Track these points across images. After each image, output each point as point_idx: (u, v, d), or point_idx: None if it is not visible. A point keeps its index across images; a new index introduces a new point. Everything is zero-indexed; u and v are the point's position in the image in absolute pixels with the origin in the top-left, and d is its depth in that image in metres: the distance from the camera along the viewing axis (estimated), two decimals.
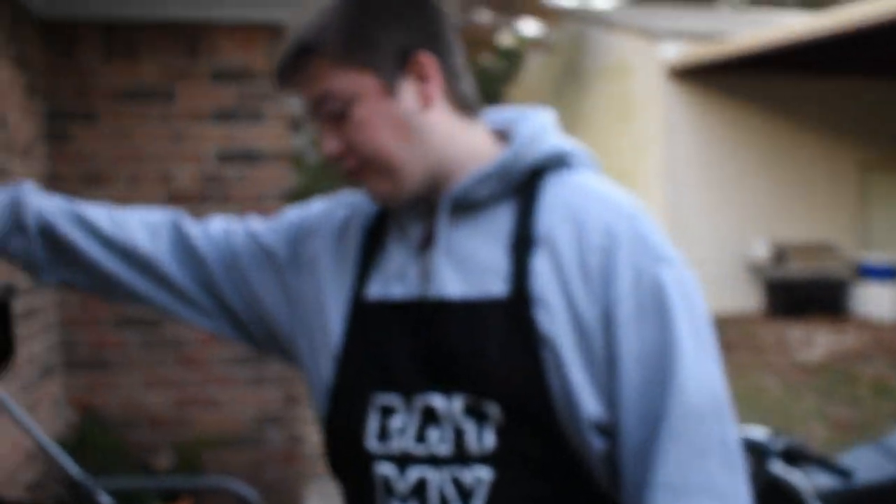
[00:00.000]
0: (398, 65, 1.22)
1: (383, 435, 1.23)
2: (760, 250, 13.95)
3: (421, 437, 1.21)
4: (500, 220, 1.25)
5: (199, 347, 4.49)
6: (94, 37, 4.45)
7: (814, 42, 11.61)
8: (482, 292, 1.22)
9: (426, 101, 1.24)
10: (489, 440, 1.18)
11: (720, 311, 13.04)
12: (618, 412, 1.19)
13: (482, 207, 1.27)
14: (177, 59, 4.49)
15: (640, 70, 14.79)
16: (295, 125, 9.47)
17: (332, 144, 1.24)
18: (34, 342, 3.98)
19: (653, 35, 14.42)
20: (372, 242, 1.34)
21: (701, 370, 1.18)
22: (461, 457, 1.18)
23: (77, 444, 4.20)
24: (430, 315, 1.23)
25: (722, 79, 14.21)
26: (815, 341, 11.10)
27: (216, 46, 4.52)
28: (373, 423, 1.24)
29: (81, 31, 4.43)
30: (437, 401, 1.20)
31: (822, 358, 10.08)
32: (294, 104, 5.07)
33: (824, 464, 2.89)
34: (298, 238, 1.42)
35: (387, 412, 1.24)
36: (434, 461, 1.20)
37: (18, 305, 3.77)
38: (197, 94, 4.51)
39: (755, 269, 14.11)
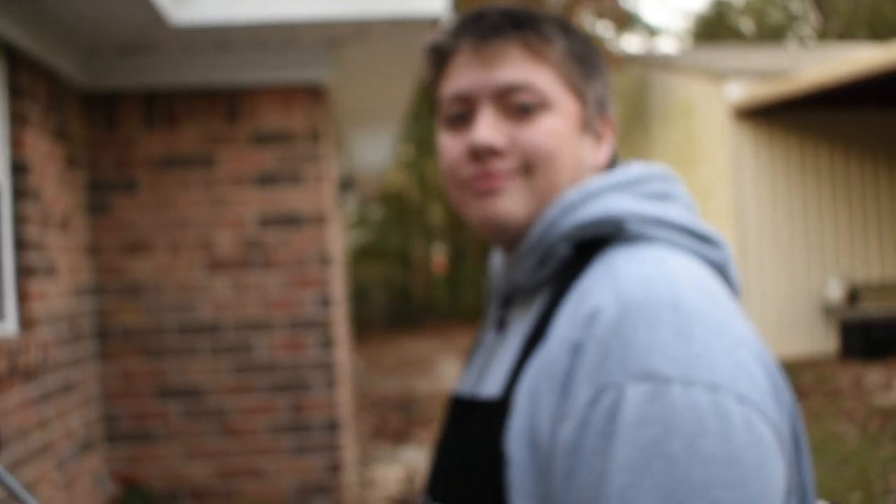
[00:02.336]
0: (596, 112, 1.15)
1: None
2: (834, 291, 13.53)
3: None
4: (535, 310, 1.09)
5: (241, 417, 4.42)
6: (135, 106, 4.45)
7: (882, 75, 11.29)
8: (489, 394, 1.08)
9: (598, 158, 1.15)
10: None
11: (794, 354, 12.68)
12: None
13: (531, 293, 1.12)
14: (216, 125, 4.47)
15: (705, 111, 14.60)
16: (346, 184, 9.47)
17: (496, 135, 1.08)
18: (72, 417, 3.93)
19: (717, 75, 14.22)
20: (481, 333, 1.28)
21: None
22: None
23: None
24: (460, 415, 1.12)
25: (789, 117, 13.94)
26: (894, 384, 10.66)
27: (255, 110, 4.49)
28: None
29: (122, 102, 4.44)
30: None
31: None
32: (334, 167, 5.02)
33: None
34: None
35: None
36: None
37: (54, 381, 3.73)
38: (237, 159, 4.47)
39: (829, 311, 13.69)
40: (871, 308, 13.21)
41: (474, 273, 21.80)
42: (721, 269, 1.09)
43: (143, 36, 4.15)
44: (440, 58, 1.15)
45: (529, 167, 1.09)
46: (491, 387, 1.08)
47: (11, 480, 2.47)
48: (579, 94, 1.12)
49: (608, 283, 0.98)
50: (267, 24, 4.13)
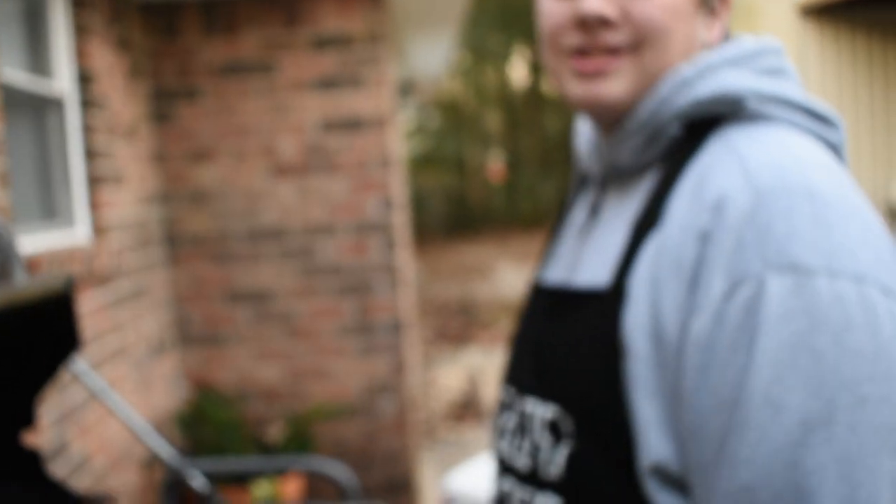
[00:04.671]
0: None
1: (499, 432, 1.13)
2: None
3: (517, 445, 1.08)
4: (642, 192, 1.03)
5: (308, 320, 4.51)
6: (194, 15, 4.46)
7: None
8: (591, 282, 1.02)
9: (711, 36, 1.06)
10: (558, 464, 1.00)
11: None
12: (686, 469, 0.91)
13: (635, 174, 1.06)
14: (276, 31, 4.47)
15: (770, 11, 14.15)
16: (404, 90, 9.41)
17: (609, 6, 0.99)
18: (144, 321, 4.05)
19: None
20: (564, 218, 1.22)
21: (776, 446, 0.83)
22: (535, 478, 1.04)
23: (194, 419, 4.29)
24: (558, 305, 1.07)
25: (857, 13, 13.44)
26: None
27: (314, 15, 4.47)
28: (497, 417, 1.15)
29: (182, 10, 4.45)
30: (531, 406, 1.06)
31: None
32: (393, 71, 4.99)
33: None
34: None
35: (503, 407, 1.14)
36: (518, 476, 1.07)
37: (126, 286, 3.84)
38: (297, 65, 4.48)
39: (894, 213, 13.41)
40: None
41: (532, 180, 21.70)
42: (837, 151, 1.03)
43: None
44: None
45: (640, 43, 1.00)
46: (593, 275, 1.03)
47: (95, 379, 2.58)
48: None
49: (735, 167, 0.92)
50: None
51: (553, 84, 1.10)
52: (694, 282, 0.89)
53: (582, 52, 1.02)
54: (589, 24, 1.01)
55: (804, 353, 0.83)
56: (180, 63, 4.46)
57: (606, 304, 0.97)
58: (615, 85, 1.01)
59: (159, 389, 4.17)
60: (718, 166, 0.93)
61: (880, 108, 13.52)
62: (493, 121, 23.33)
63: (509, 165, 22.80)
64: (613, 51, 1.01)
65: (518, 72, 23.43)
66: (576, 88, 1.04)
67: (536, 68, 22.51)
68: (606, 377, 0.95)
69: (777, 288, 0.84)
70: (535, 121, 22.49)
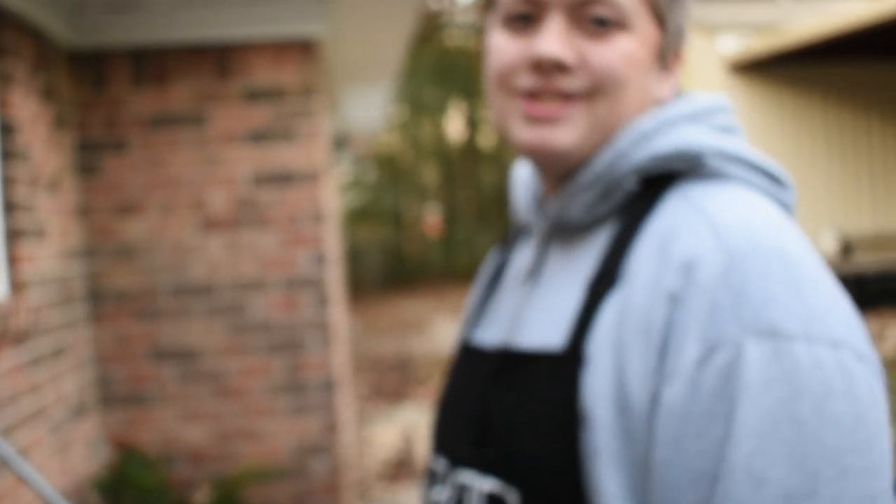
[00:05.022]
0: (673, 43, 1.03)
1: None
2: (828, 243, 13.52)
3: None
4: (595, 248, 0.98)
5: (237, 378, 4.37)
6: (123, 65, 4.36)
7: (876, 27, 11.22)
8: (541, 344, 0.96)
9: (663, 91, 1.02)
10: None
11: None
12: None
13: (585, 230, 1.01)
14: (207, 82, 4.38)
15: (699, 65, 14.47)
16: (339, 143, 9.37)
17: (567, 51, 0.95)
18: (64, 381, 3.88)
19: (710, 28, 14.10)
20: (499, 275, 1.15)
21: None
22: None
23: (117, 483, 4.11)
24: (502, 368, 0.99)
25: (783, 70, 13.86)
26: (887, 335, 10.68)
27: (246, 67, 4.40)
28: (426, 489, 1.07)
29: (110, 60, 4.35)
30: (468, 478, 0.97)
31: (893, 353, 9.66)
32: (327, 124, 4.94)
33: None
34: None
35: (434, 480, 1.05)
36: None
37: (45, 345, 3.68)
38: (228, 117, 4.39)
39: (848, 249, 13.65)
40: (865, 260, 13.21)
41: (469, 234, 21.75)
42: (788, 211, 1.00)
43: None
44: None
45: (596, 91, 0.96)
46: (542, 336, 0.96)
47: (4, 446, 2.43)
48: (661, 18, 0.99)
49: (704, 227, 0.88)
50: None
51: (497, 126, 1.04)
52: (664, 346, 0.84)
53: (533, 96, 0.97)
54: (544, 68, 0.96)
55: (786, 423, 0.79)
56: (108, 114, 4.35)
57: (562, 367, 0.90)
58: (566, 133, 0.97)
59: (78, 453, 3.99)
60: (685, 225, 0.89)
61: (806, 160, 13.84)
62: (430, 174, 23.42)
63: (446, 219, 22.86)
64: (567, 97, 0.97)
65: (454, 126, 23.59)
66: (524, 133, 0.99)
67: (473, 123, 22.69)
68: (561, 446, 0.88)
69: (756, 353, 0.80)
70: (472, 175, 22.62)
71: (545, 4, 0.97)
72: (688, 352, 0.82)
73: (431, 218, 23.28)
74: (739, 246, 0.84)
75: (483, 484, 0.95)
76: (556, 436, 0.89)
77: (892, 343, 10.16)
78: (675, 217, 0.91)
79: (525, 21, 0.99)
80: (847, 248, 13.32)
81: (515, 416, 0.93)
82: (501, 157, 21.87)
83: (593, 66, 0.96)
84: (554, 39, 0.96)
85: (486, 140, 22.80)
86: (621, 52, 0.96)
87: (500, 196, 20.88)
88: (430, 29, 19.35)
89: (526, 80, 0.98)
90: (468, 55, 20.41)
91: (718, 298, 0.82)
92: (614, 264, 0.92)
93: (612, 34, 0.96)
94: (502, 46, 1.00)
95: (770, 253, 0.84)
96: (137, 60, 4.37)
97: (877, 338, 10.68)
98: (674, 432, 0.82)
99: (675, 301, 0.85)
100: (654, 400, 0.84)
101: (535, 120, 0.98)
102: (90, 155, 4.33)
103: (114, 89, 4.35)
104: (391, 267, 21.74)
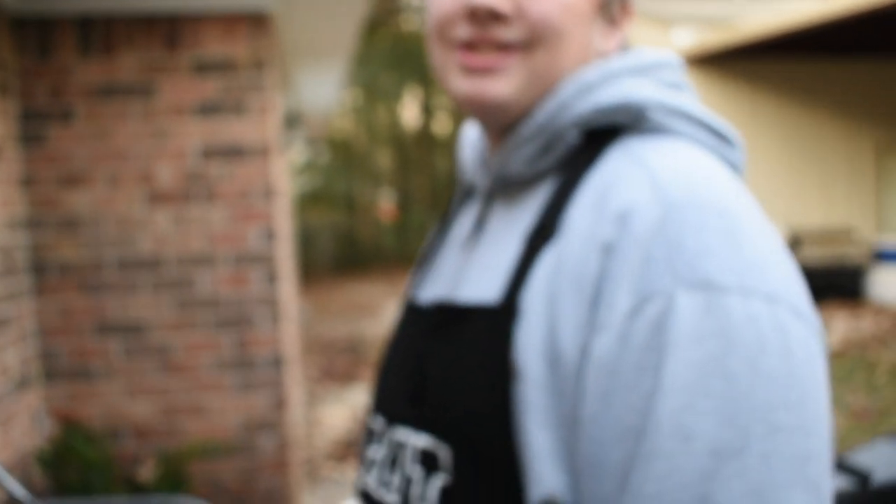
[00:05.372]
0: None
1: (367, 465, 1.03)
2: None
3: (386, 479, 0.98)
4: (536, 202, 0.96)
5: (184, 354, 4.32)
6: (69, 33, 4.27)
7: (828, 24, 11.37)
8: (478, 298, 0.94)
9: (608, 45, 1.01)
10: (431, 500, 0.90)
11: None
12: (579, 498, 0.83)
13: (527, 185, 1.00)
14: (156, 53, 4.31)
15: None
16: (291, 122, 9.29)
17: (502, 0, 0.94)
18: (7, 353, 3.81)
19: (664, 21, 14.20)
20: (442, 233, 1.14)
21: (685, 480, 0.75)
22: None
23: (59, 457, 4.04)
24: (439, 323, 0.98)
25: (736, 64, 14.01)
26: (832, 328, 10.86)
27: (196, 38, 4.33)
28: (365, 449, 1.05)
29: (56, 28, 4.26)
30: (404, 435, 0.96)
31: (838, 345, 9.83)
32: (279, 99, 4.88)
33: (838, 465, 2.67)
34: None
35: (371, 438, 1.04)
36: None
37: None
38: (178, 89, 4.32)
39: (797, 241, 13.85)
40: (812, 253, 13.41)
41: (422, 219, 21.73)
42: (736, 170, 0.99)
43: None
44: None
45: (533, 42, 0.94)
46: (481, 290, 0.94)
47: None
48: None
49: (643, 179, 0.86)
50: None
51: (439, 80, 1.02)
52: (596, 298, 0.82)
53: (470, 46, 0.96)
54: (479, 17, 0.94)
55: (717, 377, 0.76)
56: (53, 83, 4.26)
57: (496, 320, 0.88)
58: (503, 83, 0.95)
59: (21, 426, 3.92)
60: (624, 177, 0.88)
61: (757, 153, 14.01)
62: (384, 160, 23.34)
63: (400, 205, 22.81)
64: (504, 47, 0.95)
65: (409, 112, 23.53)
66: (461, 84, 0.97)
67: (428, 109, 22.65)
68: (493, 401, 0.86)
69: (688, 305, 0.78)
70: (426, 161, 22.61)
71: None
72: (619, 303, 0.80)
73: (385, 203, 23.23)
74: (677, 198, 0.83)
75: (417, 440, 0.94)
76: (487, 390, 0.87)
77: (837, 336, 10.34)
78: (614, 170, 0.90)
79: None
80: (796, 242, 13.52)
81: (450, 371, 0.92)
82: (456, 145, 21.90)
83: (531, 15, 0.94)
84: None
85: (441, 127, 22.79)
86: (559, 3, 0.94)
87: (454, 183, 20.89)
88: (385, 12, 19.26)
89: (462, 31, 0.96)
90: (424, 40, 20.36)
91: (653, 249, 0.80)
92: (553, 217, 0.90)
93: None
94: None
95: (708, 206, 0.82)
96: (84, 28, 4.28)
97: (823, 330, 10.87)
98: (602, 386, 0.80)
99: (608, 251, 0.83)
100: (583, 352, 0.82)
101: (471, 71, 0.96)
102: (34, 124, 4.24)
103: (59, 58, 4.26)
104: (344, 251, 21.66)
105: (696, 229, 0.80)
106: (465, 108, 1.00)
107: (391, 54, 20.39)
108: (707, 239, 0.80)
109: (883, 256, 13.27)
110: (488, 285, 0.94)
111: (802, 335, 0.81)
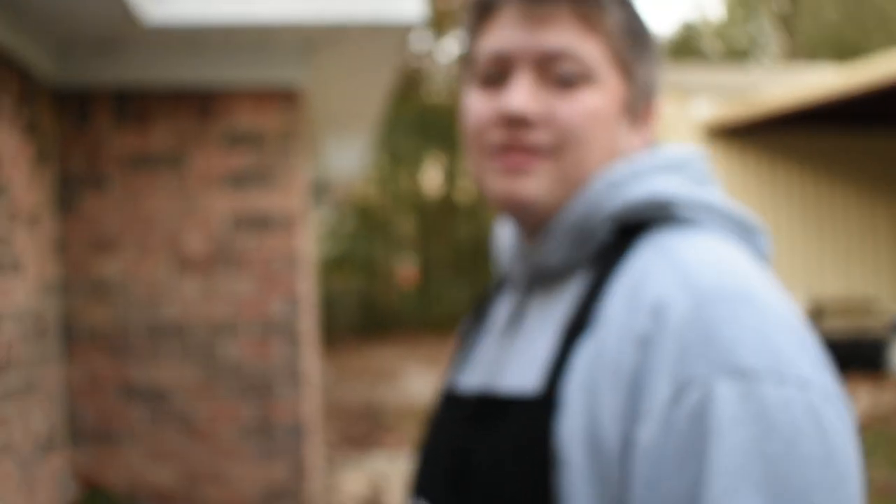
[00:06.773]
0: (642, 95, 1.06)
1: None
2: (800, 307, 13.65)
3: None
4: (571, 295, 1.01)
5: (207, 420, 4.37)
6: (106, 104, 4.41)
7: (848, 97, 11.46)
8: (518, 388, 0.98)
9: (633, 144, 1.06)
10: None
11: None
12: None
13: (562, 277, 1.04)
14: (188, 124, 4.44)
15: (673, 129, 14.68)
16: (318, 191, 9.43)
17: (532, 104, 0.99)
18: (34, 417, 3.87)
19: (684, 92, 14.34)
20: (480, 322, 1.18)
21: None
22: None
23: None
24: (480, 412, 1.02)
25: (756, 136, 14.09)
26: (856, 400, 10.76)
27: (228, 110, 4.46)
28: None
29: (93, 99, 4.40)
30: None
31: (861, 418, 9.74)
32: (306, 171, 4.98)
33: None
34: None
35: None
36: None
37: (16, 379, 3.68)
38: (208, 159, 4.44)
39: (820, 313, 13.78)
40: (834, 325, 13.33)
41: (443, 285, 21.78)
42: (762, 258, 1.04)
43: (115, 33, 4.12)
44: (483, 10, 1.05)
45: (561, 146, 1.00)
46: (520, 380, 0.98)
47: None
48: (627, 72, 1.03)
49: (672, 271, 0.91)
50: (241, 25, 4.11)
51: (475, 183, 1.09)
52: (635, 388, 0.86)
53: (504, 150, 1.02)
54: (512, 122, 1.01)
55: (757, 461, 0.81)
56: (89, 151, 4.39)
57: (537, 410, 0.93)
58: (534, 184, 1.01)
59: (45, 489, 3.97)
60: (654, 270, 0.93)
61: (778, 225, 14.03)
62: (406, 225, 23.48)
63: (421, 270, 22.88)
64: (534, 151, 1.01)
65: (432, 178, 23.73)
66: (496, 185, 1.03)
67: (450, 176, 22.84)
68: (535, 489, 0.90)
69: (726, 392, 0.82)
70: (448, 228, 22.70)
71: (514, 62, 1.01)
72: (660, 392, 0.85)
73: (406, 269, 23.31)
74: (707, 288, 0.88)
75: None
76: (530, 479, 0.91)
77: (859, 409, 10.25)
78: (645, 263, 0.95)
79: (497, 80, 1.03)
80: (818, 313, 13.45)
81: (493, 460, 0.95)
82: (478, 212, 22.00)
83: (559, 122, 1.00)
84: (519, 95, 1.00)
85: (463, 194, 22.94)
86: (585, 108, 1.00)
87: (476, 250, 20.97)
88: (410, 85, 19.55)
89: (496, 136, 1.02)
90: (447, 110, 20.61)
91: (688, 339, 0.85)
92: (588, 310, 0.95)
93: (578, 89, 1.00)
94: (477, 105, 1.05)
95: (737, 295, 0.87)
96: (120, 100, 4.42)
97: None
98: (649, 472, 0.84)
99: (645, 343, 0.87)
100: (628, 441, 0.86)
101: (504, 171, 1.02)
102: (70, 191, 4.36)
103: (96, 127, 4.40)
104: (365, 316, 21.69)
105: (727, 319, 0.85)
106: (499, 207, 1.05)
107: (415, 123, 20.66)
108: (738, 328, 0.85)
109: None
110: (527, 375, 0.98)
111: (834, 417, 0.85)
